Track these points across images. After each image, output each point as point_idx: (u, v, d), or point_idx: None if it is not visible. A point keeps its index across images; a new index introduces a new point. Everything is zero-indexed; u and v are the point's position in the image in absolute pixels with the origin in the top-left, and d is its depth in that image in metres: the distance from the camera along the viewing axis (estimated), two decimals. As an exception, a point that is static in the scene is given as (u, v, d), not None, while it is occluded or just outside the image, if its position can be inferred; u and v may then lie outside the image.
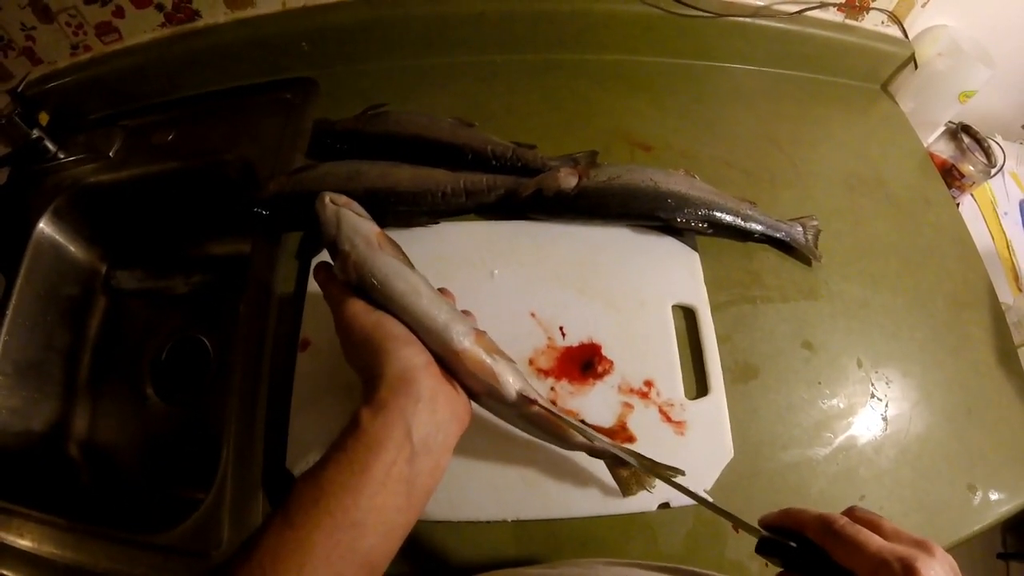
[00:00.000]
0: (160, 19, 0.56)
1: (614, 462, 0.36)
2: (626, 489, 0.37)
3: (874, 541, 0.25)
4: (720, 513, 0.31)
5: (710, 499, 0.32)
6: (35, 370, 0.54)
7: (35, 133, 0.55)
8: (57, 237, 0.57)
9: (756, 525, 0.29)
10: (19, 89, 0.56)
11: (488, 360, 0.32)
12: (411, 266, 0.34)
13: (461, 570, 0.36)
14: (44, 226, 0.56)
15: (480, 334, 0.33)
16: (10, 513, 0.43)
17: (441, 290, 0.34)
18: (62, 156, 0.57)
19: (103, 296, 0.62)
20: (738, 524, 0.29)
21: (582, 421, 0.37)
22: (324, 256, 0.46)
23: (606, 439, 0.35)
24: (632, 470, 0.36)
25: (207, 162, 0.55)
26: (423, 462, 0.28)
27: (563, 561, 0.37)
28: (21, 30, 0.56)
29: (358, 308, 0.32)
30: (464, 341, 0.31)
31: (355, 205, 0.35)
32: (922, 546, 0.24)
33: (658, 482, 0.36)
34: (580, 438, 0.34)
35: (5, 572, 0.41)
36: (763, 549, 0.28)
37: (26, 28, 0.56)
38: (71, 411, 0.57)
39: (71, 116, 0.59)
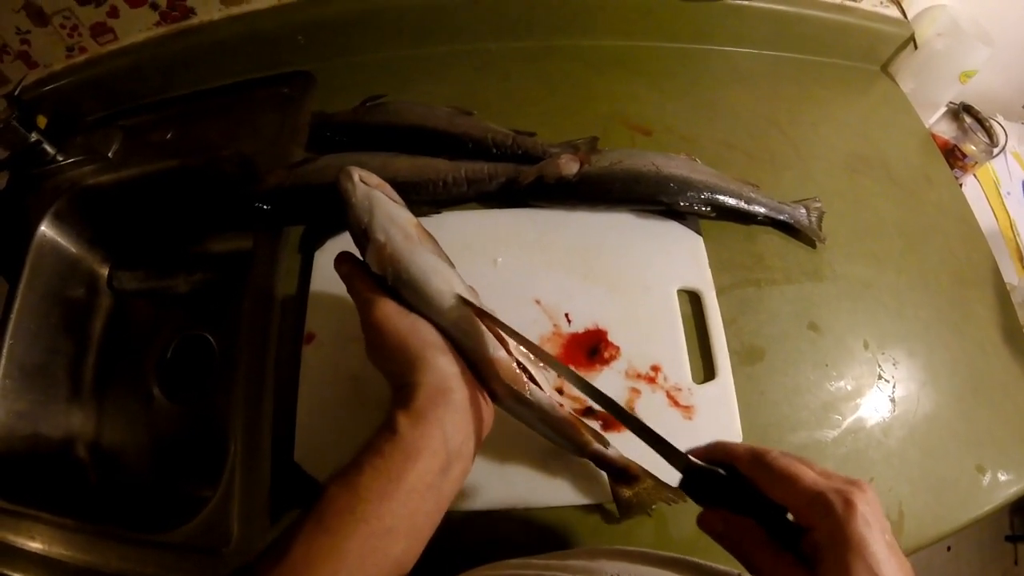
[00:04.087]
0: (155, 18, 0.56)
1: (617, 479, 0.35)
2: (625, 511, 0.36)
3: (808, 474, 0.24)
4: (647, 436, 0.29)
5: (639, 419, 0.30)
6: (41, 373, 0.54)
7: (34, 136, 0.55)
8: (59, 240, 0.57)
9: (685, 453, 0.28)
10: (16, 93, 0.55)
11: (519, 371, 0.31)
12: (449, 262, 0.33)
13: (472, 559, 0.36)
14: (45, 229, 0.56)
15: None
16: (20, 516, 0.43)
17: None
18: (61, 158, 0.57)
19: (106, 297, 0.62)
20: (665, 452, 0.28)
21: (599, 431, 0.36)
22: (328, 249, 0.46)
23: (624, 457, 0.35)
24: (635, 491, 0.35)
25: (206, 159, 0.55)
26: (455, 469, 0.28)
27: (570, 551, 0.37)
28: (16, 34, 0.56)
29: (390, 310, 0.30)
30: (499, 349, 0.31)
31: (387, 188, 0.33)
32: (855, 483, 0.24)
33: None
34: (595, 446, 0.34)
35: (17, 575, 0.41)
36: (689, 481, 0.28)
37: (21, 32, 0.56)
38: (78, 413, 0.57)
39: (69, 118, 0.59)
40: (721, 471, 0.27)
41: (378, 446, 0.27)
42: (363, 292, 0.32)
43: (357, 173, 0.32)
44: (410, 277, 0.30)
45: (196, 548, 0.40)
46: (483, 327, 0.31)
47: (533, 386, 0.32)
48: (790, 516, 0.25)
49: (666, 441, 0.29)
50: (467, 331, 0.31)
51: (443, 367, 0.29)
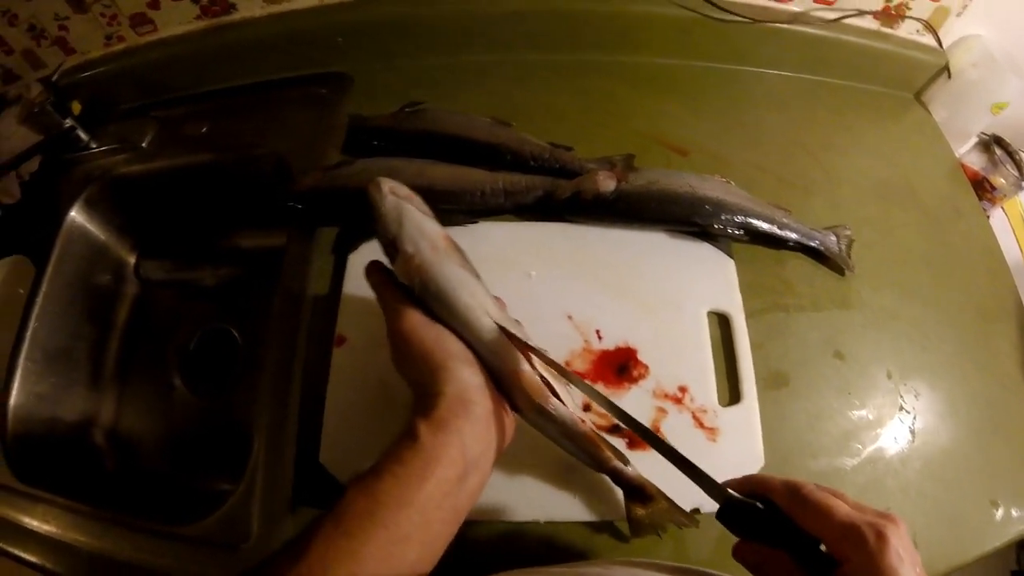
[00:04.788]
0: (195, 11, 0.56)
1: (632, 498, 0.36)
2: (637, 530, 0.36)
3: (842, 508, 0.25)
4: (684, 467, 0.29)
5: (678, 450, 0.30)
6: (63, 357, 0.55)
7: (68, 122, 0.55)
8: (88, 226, 0.58)
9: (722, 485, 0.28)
10: (53, 78, 0.56)
11: (543, 387, 0.32)
12: (476, 275, 0.33)
13: (483, 569, 0.36)
14: (75, 215, 0.56)
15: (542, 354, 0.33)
16: (35, 499, 0.44)
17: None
18: (94, 146, 0.57)
19: (132, 286, 0.62)
20: (703, 484, 0.29)
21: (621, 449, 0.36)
22: (362, 252, 0.46)
23: (641, 476, 0.35)
24: (649, 511, 0.35)
25: (240, 155, 0.55)
26: (472, 479, 0.29)
27: (583, 561, 0.37)
28: (54, 20, 0.56)
29: (416, 321, 0.31)
30: (523, 363, 0.31)
31: (417, 199, 0.33)
32: (887, 517, 0.24)
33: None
34: (615, 463, 0.35)
35: (29, 557, 0.42)
36: (726, 513, 0.28)
37: (59, 18, 0.56)
38: (98, 399, 0.57)
39: (103, 106, 0.59)
40: (759, 504, 0.28)
41: (398, 453, 0.28)
42: (390, 301, 0.32)
43: (387, 184, 0.33)
44: (437, 289, 0.31)
45: (213, 543, 0.40)
46: (508, 340, 0.31)
47: (556, 401, 0.32)
48: (823, 547, 0.26)
49: (704, 473, 0.29)
50: (492, 344, 0.31)
51: (466, 378, 0.30)
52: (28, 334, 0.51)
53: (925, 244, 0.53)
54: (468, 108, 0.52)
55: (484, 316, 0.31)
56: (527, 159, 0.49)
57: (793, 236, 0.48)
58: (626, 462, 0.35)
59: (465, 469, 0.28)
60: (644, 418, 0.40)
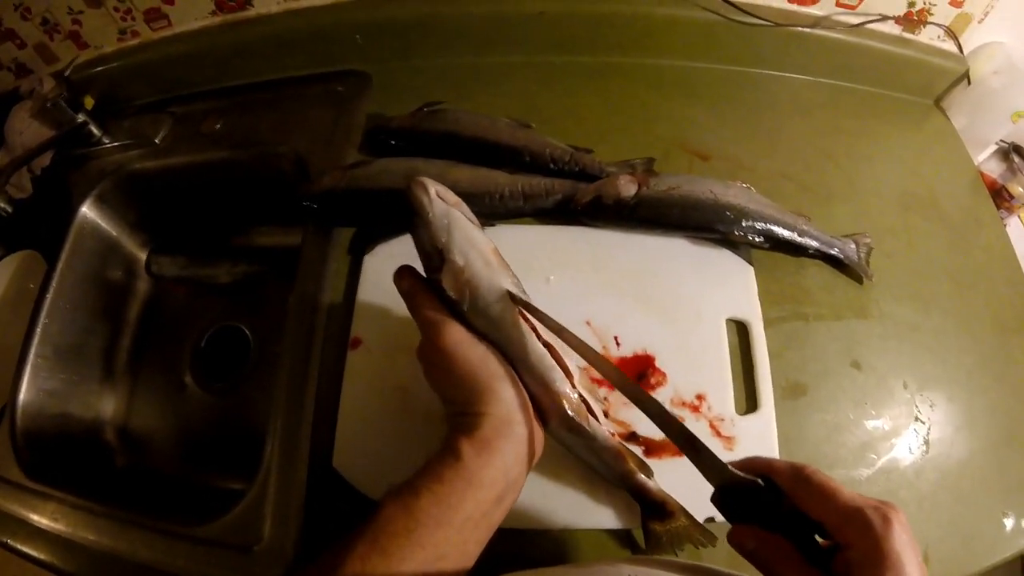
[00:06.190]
0: (211, 7, 0.55)
1: (651, 514, 0.35)
2: (654, 546, 0.35)
3: (846, 491, 0.24)
4: (687, 445, 0.28)
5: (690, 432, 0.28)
6: (74, 353, 0.54)
7: (80, 117, 0.55)
8: (100, 222, 0.57)
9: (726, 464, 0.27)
10: (66, 73, 0.55)
11: (583, 409, 0.32)
12: (522, 289, 0.32)
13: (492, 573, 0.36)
14: (87, 210, 0.56)
15: (582, 372, 0.33)
16: (45, 496, 0.43)
17: None
18: (107, 141, 0.57)
19: (144, 282, 0.62)
20: (702, 461, 0.27)
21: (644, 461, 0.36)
22: (378, 253, 0.45)
23: (663, 491, 0.35)
24: (668, 527, 0.35)
25: (256, 152, 0.55)
26: (508, 499, 0.29)
27: (590, 561, 0.37)
28: (68, 13, 0.56)
29: (461, 337, 0.30)
30: (567, 384, 0.31)
31: (464, 207, 0.32)
32: (888, 504, 0.24)
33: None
34: (639, 477, 0.34)
35: (39, 555, 0.42)
36: (725, 494, 0.27)
37: (73, 12, 0.56)
38: (109, 396, 0.57)
39: (117, 101, 0.59)
40: (760, 481, 0.27)
41: (439, 472, 0.27)
42: (429, 313, 0.31)
43: (433, 187, 0.31)
44: (487, 305, 0.30)
45: (226, 544, 0.40)
46: (553, 360, 0.31)
47: (593, 419, 0.32)
48: (818, 537, 0.25)
49: (708, 450, 0.28)
50: (538, 365, 0.31)
51: (510, 399, 0.29)
52: (38, 330, 0.51)
53: (945, 254, 0.53)
54: (488, 109, 0.52)
55: (532, 337, 0.31)
56: (547, 161, 0.48)
57: (813, 244, 0.47)
58: (650, 474, 0.35)
59: (505, 489, 0.28)
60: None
